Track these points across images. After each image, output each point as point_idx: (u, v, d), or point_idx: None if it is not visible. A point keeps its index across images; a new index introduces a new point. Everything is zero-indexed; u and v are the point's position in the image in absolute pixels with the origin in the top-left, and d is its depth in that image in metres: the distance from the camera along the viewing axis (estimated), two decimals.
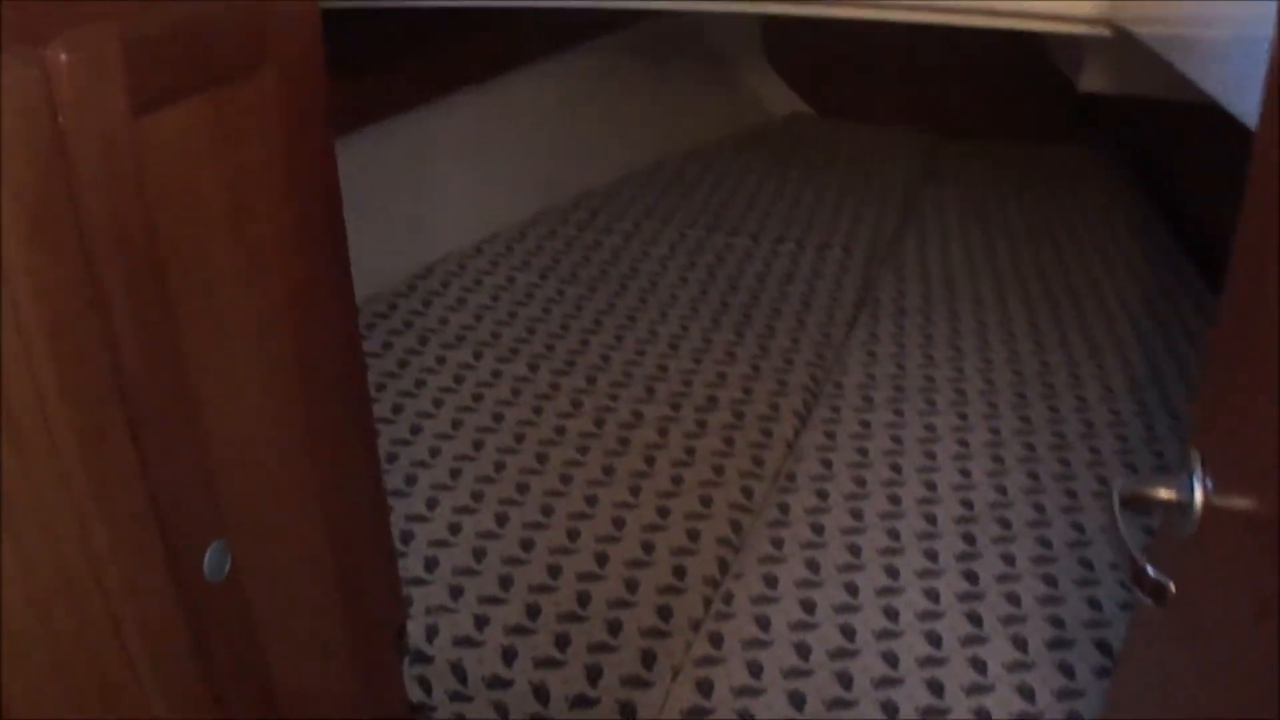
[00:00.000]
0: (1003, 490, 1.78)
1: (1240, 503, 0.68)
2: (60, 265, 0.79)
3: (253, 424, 1.04)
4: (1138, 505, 0.77)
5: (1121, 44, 1.55)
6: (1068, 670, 1.42)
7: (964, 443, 1.91)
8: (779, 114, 3.82)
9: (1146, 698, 0.90)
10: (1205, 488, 0.72)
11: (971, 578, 1.58)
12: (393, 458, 1.81)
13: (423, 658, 1.44)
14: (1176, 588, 0.73)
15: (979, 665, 1.43)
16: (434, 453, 1.83)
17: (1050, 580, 1.58)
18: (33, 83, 0.75)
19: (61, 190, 0.78)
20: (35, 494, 0.80)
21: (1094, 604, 1.54)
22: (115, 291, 0.84)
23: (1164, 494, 0.76)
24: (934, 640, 1.48)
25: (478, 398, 2.01)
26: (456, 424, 1.92)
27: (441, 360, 2.14)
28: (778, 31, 3.69)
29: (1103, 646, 1.46)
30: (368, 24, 2.07)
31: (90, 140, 0.80)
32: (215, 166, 0.95)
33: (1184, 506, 0.74)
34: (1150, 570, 0.73)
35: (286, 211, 1.03)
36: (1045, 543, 1.66)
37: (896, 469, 1.84)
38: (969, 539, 1.67)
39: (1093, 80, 2.06)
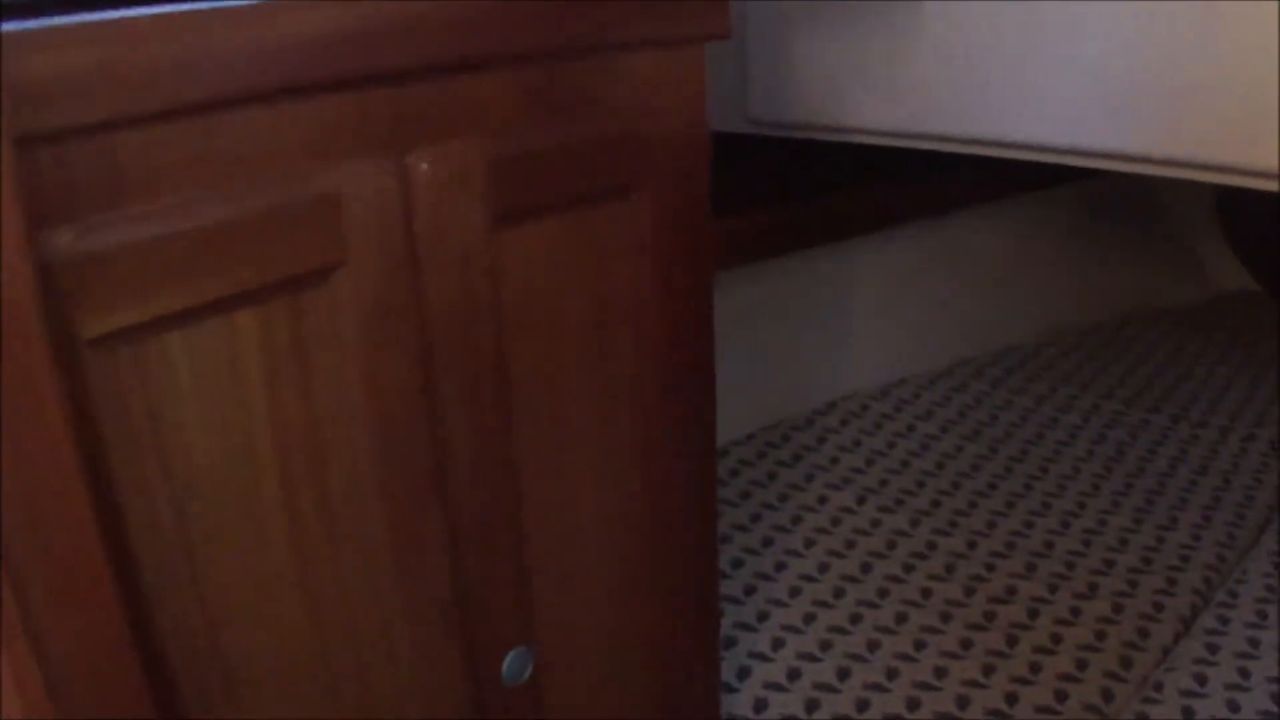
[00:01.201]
0: None
1: None
2: (397, 364, 0.85)
3: (581, 546, 1.07)
4: None
5: None
6: None
7: None
8: (1225, 289, 3.62)
9: None
10: None
11: None
12: (750, 590, 1.87)
13: None
14: None
15: None
16: (793, 593, 1.88)
17: None
18: (390, 189, 0.81)
19: (407, 293, 0.84)
20: (341, 580, 0.86)
21: None
22: (451, 398, 0.89)
23: None
24: None
25: (850, 545, 2.04)
26: (823, 568, 1.96)
27: (823, 500, 2.18)
28: (1235, 202, 3.50)
29: None
30: (812, 152, 2.14)
31: (444, 249, 0.85)
32: (576, 287, 0.98)
33: None
34: None
35: (649, 340, 1.05)
36: None
37: (1278, 700, 1.70)
38: None
39: None
